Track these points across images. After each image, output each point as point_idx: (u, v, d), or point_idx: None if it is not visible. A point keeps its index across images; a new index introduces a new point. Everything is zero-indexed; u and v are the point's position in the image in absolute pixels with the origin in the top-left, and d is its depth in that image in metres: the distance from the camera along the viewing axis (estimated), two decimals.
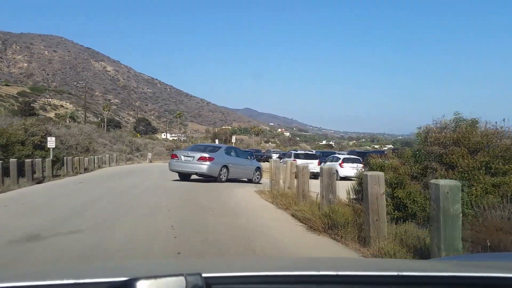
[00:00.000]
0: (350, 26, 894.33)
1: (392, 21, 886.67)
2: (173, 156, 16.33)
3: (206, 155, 15.15)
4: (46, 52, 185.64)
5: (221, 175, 15.23)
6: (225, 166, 15.45)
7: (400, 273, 1.19)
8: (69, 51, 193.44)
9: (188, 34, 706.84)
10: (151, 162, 37.44)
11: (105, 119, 68.83)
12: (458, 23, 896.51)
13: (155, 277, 0.95)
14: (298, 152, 28.32)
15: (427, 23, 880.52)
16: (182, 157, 15.45)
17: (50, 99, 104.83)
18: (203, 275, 0.99)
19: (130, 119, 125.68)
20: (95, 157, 28.30)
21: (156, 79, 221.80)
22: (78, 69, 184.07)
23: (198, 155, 15.12)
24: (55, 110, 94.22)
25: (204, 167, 14.89)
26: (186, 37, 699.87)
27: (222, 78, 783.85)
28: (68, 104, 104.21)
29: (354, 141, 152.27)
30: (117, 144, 31.41)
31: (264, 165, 20.69)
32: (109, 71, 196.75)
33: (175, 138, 77.06)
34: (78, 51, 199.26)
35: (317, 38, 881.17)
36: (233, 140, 28.72)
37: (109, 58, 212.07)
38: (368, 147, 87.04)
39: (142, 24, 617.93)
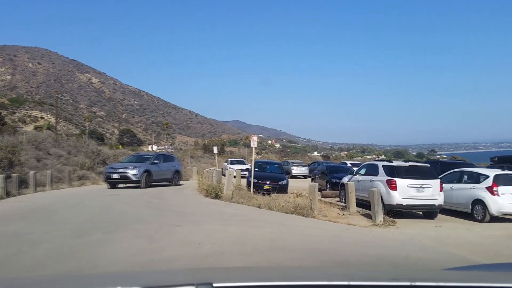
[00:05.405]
0: (337, 40, 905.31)
1: (379, 36, 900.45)
2: None
3: None
4: (30, 64, 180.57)
5: None
6: None
7: (413, 283, 1.19)
8: (53, 63, 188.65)
9: (175, 46, 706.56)
10: None
11: (86, 131, 64.77)
12: (451, 37, 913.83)
13: (166, 286, 0.95)
14: None
15: (417, 37, 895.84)
16: None
17: (30, 111, 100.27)
18: (214, 285, 1.00)
19: (115, 131, 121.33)
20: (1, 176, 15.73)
21: (143, 91, 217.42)
22: (63, 81, 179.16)
23: None
24: (35, 122, 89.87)
25: None
26: (173, 49, 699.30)
27: (210, 90, 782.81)
28: (49, 115, 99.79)
29: (346, 152, 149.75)
30: (78, 156, 25.73)
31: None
32: (95, 83, 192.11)
33: (162, 149, 73.14)
34: (63, 63, 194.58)
35: (305, 53, 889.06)
36: (254, 143, 14.41)
37: (95, 70, 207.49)
38: (360, 157, 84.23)
39: (129, 36, 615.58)
